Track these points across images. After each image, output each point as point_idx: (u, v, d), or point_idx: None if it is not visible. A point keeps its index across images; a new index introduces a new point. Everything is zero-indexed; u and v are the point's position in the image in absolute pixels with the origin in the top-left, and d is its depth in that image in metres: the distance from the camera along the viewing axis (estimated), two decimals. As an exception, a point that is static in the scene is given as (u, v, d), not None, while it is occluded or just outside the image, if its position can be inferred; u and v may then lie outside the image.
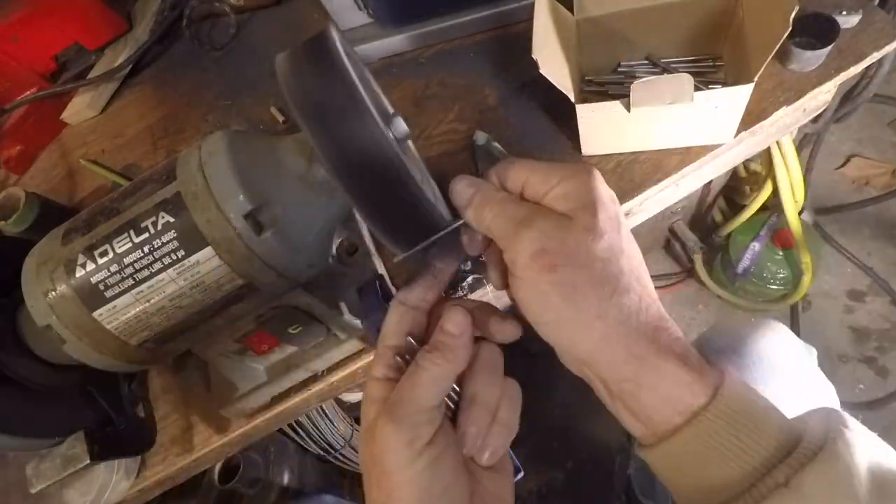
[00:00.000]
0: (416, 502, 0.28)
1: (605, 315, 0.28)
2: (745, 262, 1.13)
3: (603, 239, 0.28)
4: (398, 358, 0.32)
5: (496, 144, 0.58)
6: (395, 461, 0.29)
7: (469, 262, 0.53)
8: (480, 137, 0.59)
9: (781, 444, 0.26)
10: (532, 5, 0.48)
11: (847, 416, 0.28)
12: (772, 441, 0.26)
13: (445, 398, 0.32)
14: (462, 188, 0.33)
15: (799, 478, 0.25)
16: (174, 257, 0.34)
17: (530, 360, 1.37)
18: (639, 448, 0.31)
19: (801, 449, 0.26)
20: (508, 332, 0.34)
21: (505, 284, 0.33)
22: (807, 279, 1.06)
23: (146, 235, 0.34)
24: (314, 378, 0.54)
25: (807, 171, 1.22)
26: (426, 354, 0.30)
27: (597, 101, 0.48)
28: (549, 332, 0.30)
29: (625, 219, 0.31)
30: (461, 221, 0.33)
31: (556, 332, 0.30)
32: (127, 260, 0.34)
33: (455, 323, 0.31)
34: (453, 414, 0.33)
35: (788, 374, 0.53)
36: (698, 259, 1.20)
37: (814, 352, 0.58)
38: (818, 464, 0.25)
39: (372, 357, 0.43)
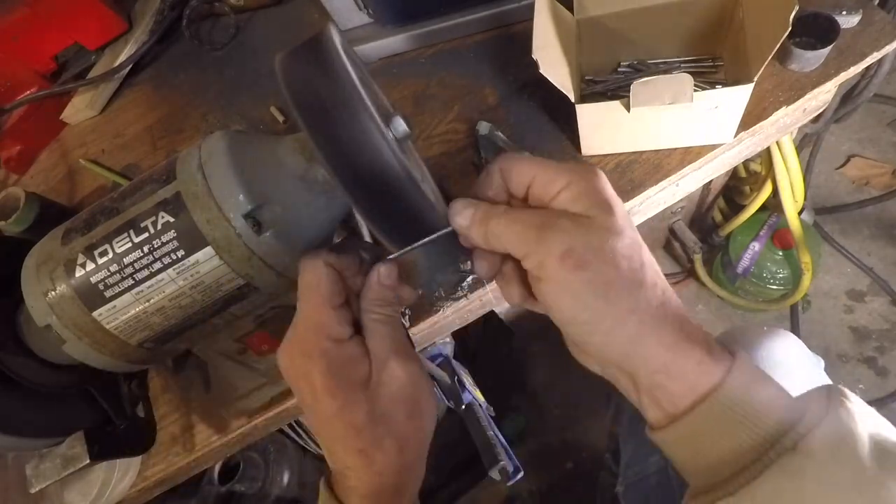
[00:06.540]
0: None
1: (637, 308, 0.28)
2: (744, 262, 1.13)
3: (625, 235, 0.29)
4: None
5: (499, 134, 0.58)
6: None
7: (469, 263, 0.53)
8: (483, 127, 0.59)
9: (789, 414, 0.28)
10: (532, 5, 0.48)
11: (847, 391, 0.29)
12: (780, 411, 0.28)
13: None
14: (461, 207, 0.32)
15: (805, 442, 0.26)
16: (174, 257, 0.34)
17: (530, 360, 1.37)
18: (650, 431, 0.31)
19: (806, 419, 0.27)
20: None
21: (525, 296, 0.33)
22: (807, 279, 1.06)
23: (146, 235, 0.34)
24: (314, 378, 0.54)
25: (807, 171, 1.22)
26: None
27: (597, 101, 0.48)
28: (583, 332, 0.30)
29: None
30: None
31: (590, 331, 0.30)
32: (127, 260, 0.34)
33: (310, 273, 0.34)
34: None
35: (800, 377, 0.54)
36: (698, 259, 1.20)
37: (821, 362, 0.60)
38: (822, 429, 0.26)
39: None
